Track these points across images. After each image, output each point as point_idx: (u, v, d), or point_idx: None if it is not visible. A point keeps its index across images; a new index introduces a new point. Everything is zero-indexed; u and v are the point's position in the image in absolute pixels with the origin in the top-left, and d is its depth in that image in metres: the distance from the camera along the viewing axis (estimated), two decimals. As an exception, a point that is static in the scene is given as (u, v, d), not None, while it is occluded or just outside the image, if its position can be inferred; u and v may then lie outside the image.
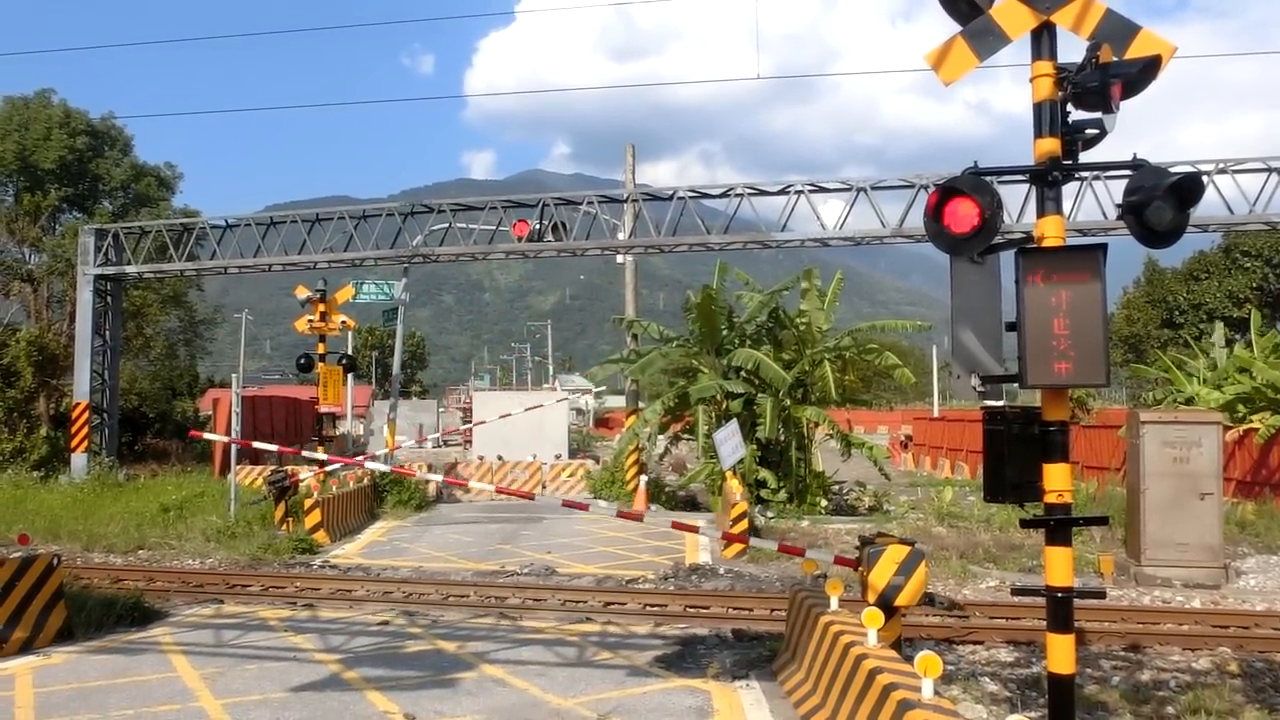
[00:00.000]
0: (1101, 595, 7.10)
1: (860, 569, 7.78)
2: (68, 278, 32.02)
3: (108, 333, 26.53)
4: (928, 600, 11.50)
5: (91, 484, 23.39)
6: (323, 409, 21.27)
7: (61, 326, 33.57)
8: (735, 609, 11.76)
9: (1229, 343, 26.12)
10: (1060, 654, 5.31)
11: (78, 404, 25.49)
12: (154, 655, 9.59)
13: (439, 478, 18.95)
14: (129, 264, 26.07)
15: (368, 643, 10.21)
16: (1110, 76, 5.13)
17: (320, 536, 17.42)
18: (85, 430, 25.18)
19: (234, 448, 19.18)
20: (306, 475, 18.73)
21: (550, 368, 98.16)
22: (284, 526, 17.58)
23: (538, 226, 22.74)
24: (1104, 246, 5.20)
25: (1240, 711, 7.82)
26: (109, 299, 26.65)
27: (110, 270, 25.94)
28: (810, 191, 21.76)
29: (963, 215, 5.20)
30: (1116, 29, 5.28)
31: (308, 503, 17.91)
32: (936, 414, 49.45)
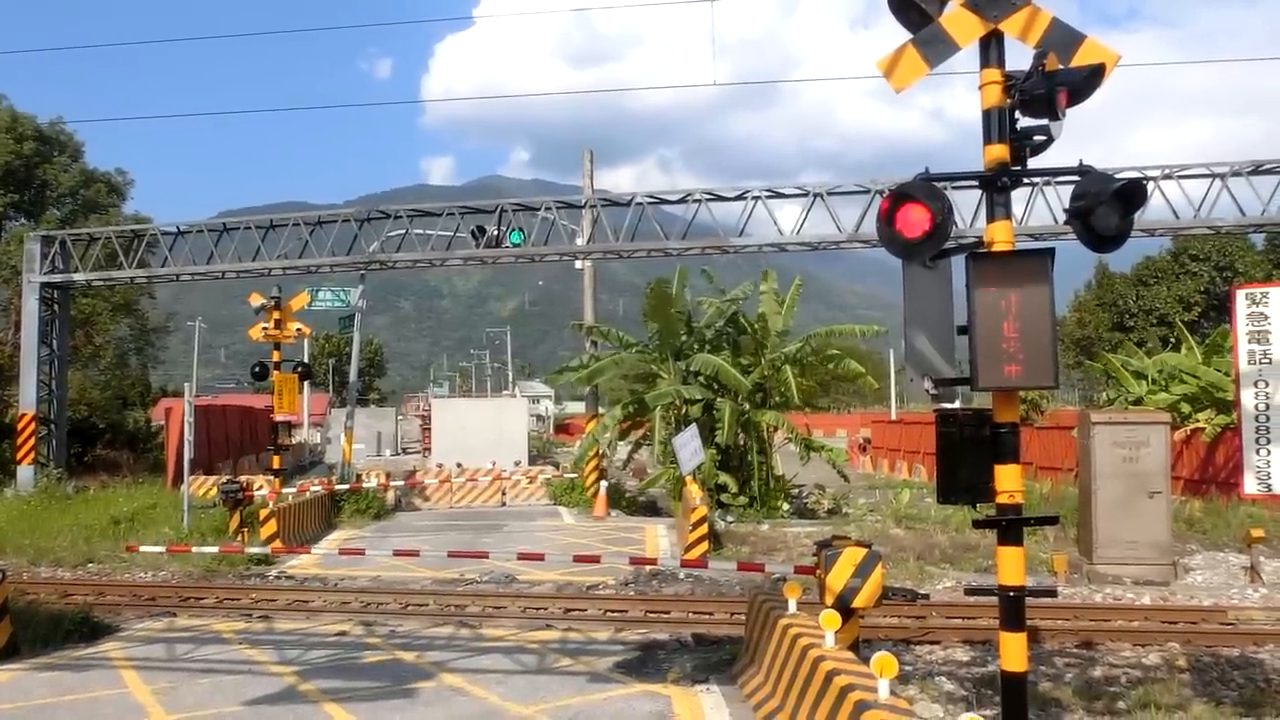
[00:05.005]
0: (1054, 594, 7.25)
1: (818, 572, 7.84)
2: (12, 285, 31.25)
3: (55, 342, 25.89)
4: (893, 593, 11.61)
5: (39, 497, 22.77)
6: (278, 418, 20.94)
7: (6, 336, 32.76)
8: (695, 613, 11.78)
9: (1174, 346, 26.74)
10: (1013, 652, 5.39)
11: (23, 415, 24.85)
12: (103, 671, 9.36)
13: (400, 483, 18.75)
14: (77, 271, 25.46)
15: (324, 654, 10.07)
16: (1056, 84, 5.24)
17: (276, 546, 17.14)
18: (31, 442, 24.55)
19: (187, 458, 18.81)
20: (262, 485, 18.44)
21: (510, 374, 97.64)
22: (239, 536, 17.29)
23: (495, 233, 22.63)
24: (1052, 251, 5.30)
25: (1189, 705, 8.00)
26: (56, 307, 26.03)
27: (57, 278, 25.35)
28: (768, 197, 21.90)
29: (914, 220, 5.26)
30: (1062, 38, 5.40)
31: (263, 512, 17.62)
32: (894, 417, 50.00)
